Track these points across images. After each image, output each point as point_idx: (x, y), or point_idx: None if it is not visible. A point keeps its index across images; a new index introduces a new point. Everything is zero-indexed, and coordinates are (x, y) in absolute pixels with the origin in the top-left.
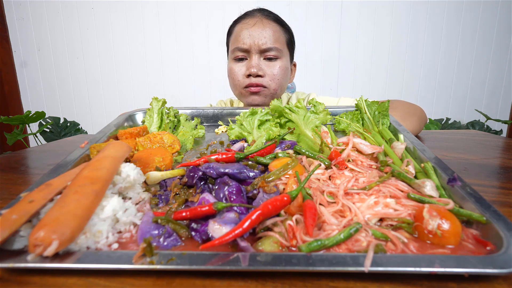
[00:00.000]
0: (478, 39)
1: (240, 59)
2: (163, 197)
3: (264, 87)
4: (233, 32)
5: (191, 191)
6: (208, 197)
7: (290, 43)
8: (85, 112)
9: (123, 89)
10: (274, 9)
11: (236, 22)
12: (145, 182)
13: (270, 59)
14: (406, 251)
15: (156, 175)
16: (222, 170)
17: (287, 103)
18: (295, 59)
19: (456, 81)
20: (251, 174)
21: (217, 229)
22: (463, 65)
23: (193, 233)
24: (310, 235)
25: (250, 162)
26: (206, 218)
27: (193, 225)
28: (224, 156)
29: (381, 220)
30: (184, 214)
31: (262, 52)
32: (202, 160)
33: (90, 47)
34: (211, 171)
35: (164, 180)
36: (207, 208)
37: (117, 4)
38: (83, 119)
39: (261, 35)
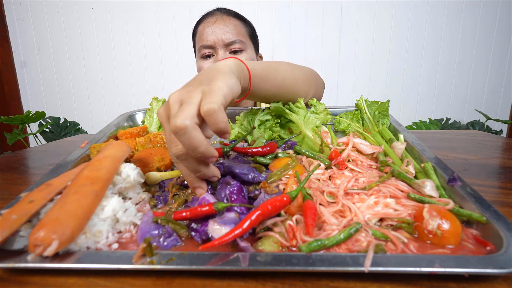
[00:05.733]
0: (478, 39)
1: (207, 56)
2: (161, 197)
3: None
4: (197, 32)
5: (190, 191)
6: (208, 197)
7: (253, 36)
8: (85, 112)
9: (123, 89)
10: (274, 9)
11: (198, 22)
12: (145, 182)
13: (235, 51)
14: (406, 251)
15: (156, 176)
16: (228, 169)
17: None
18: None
19: (456, 81)
20: (261, 177)
21: (217, 229)
22: (463, 65)
23: (193, 233)
24: (310, 235)
25: (257, 164)
26: (206, 218)
27: (193, 225)
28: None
29: (381, 220)
30: (184, 214)
31: (227, 46)
32: None
33: (90, 47)
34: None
35: (163, 181)
36: (207, 208)
37: (117, 4)
38: (83, 119)
39: (223, 30)
